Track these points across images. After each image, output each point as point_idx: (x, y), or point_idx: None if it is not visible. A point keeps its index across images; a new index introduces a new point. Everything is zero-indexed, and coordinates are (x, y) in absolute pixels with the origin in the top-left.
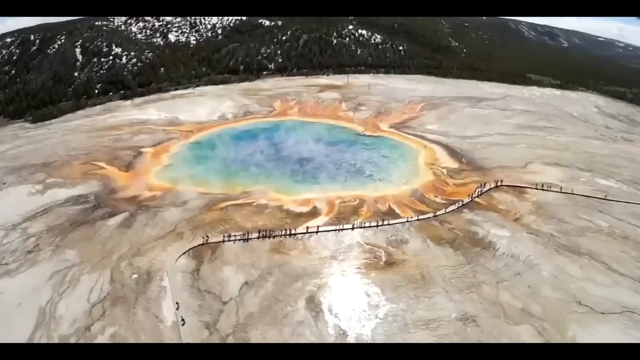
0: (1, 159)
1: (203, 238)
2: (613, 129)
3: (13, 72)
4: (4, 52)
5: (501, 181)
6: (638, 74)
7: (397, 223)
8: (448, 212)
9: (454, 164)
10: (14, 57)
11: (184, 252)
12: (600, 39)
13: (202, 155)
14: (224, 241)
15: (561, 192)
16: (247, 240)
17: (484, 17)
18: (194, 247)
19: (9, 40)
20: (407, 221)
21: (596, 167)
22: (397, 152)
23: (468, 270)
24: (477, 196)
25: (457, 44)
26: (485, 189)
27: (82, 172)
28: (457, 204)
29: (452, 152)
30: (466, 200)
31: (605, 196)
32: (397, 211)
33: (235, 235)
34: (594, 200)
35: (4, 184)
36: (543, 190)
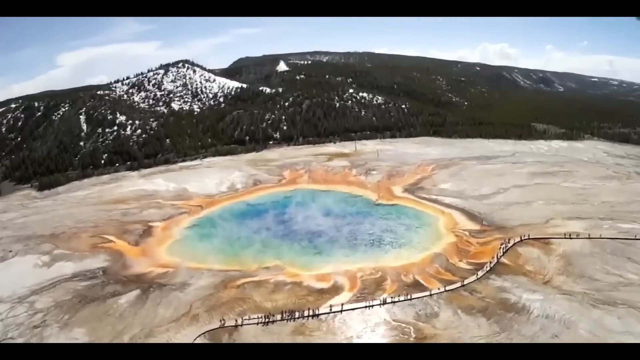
0: (8, 227)
1: (220, 321)
2: (624, 165)
3: (19, 138)
4: (9, 117)
5: (528, 236)
6: (638, 109)
7: (425, 296)
8: (476, 280)
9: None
10: (19, 123)
11: (200, 335)
12: (593, 79)
13: (213, 230)
14: (241, 325)
15: (588, 238)
16: (266, 323)
17: (478, 68)
18: (210, 330)
19: (13, 105)
20: (431, 295)
21: (617, 215)
22: (416, 225)
23: (503, 338)
24: (503, 254)
25: (457, 98)
26: (510, 245)
27: (90, 245)
28: (484, 268)
29: (471, 216)
30: (493, 261)
31: (635, 236)
32: (422, 282)
33: (254, 318)
34: (620, 243)
35: (10, 252)
36: (570, 238)
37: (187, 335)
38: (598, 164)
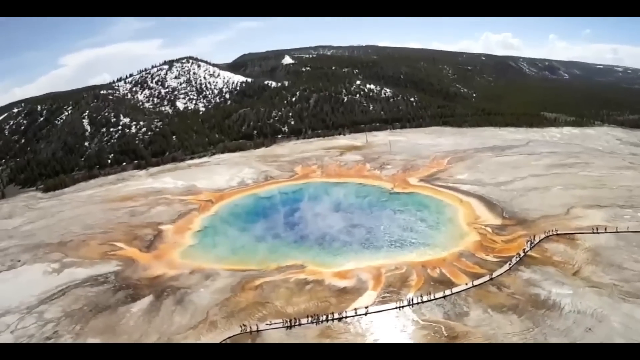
0: (15, 235)
1: (241, 327)
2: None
3: (23, 141)
4: (11, 123)
5: (556, 231)
6: None
7: (452, 294)
8: (504, 273)
9: (495, 220)
10: (22, 127)
11: (222, 341)
12: (599, 66)
13: (227, 227)
14: (262, 330)
15: (612, 232)
16: (290, 327)
17: (483, 58)
18: (232, 335)
19: (16, 110)
20: (453, 292)
21: (636, 201)
22: (433, 212)
23: (537, 333)
24: (530, 249)
25: (465, 89)
26: (536, 241)
27: (100, 252)
28: (513, 259)
29: (491, 205)
30: (521, 255)
31: None
32: (449, 276)
33: (277, 322)
34: None
35: (19, 261)
36: (597, 233)
37: (209, 342)
38: (614, 153)
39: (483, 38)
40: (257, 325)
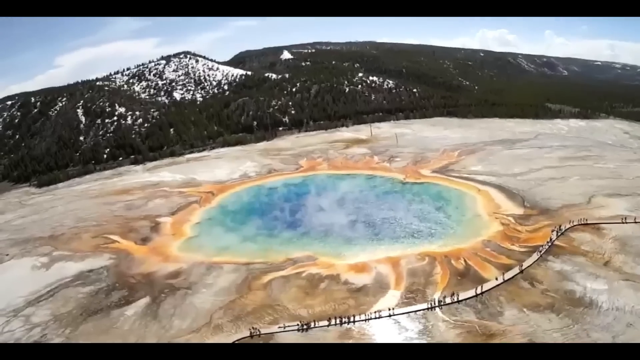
0: (5, 230)
1: (250, 331)
2: None
3: (17, 136)
4: (5, 115)
5: (586, 221)
6: None
7: (482, 293)
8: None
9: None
10: (16, 120)
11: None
12: (597, 63)
13: (230, 219)
14: (274, 332)
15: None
16: (305, 330)
17: (482, 54)
18: (240, 339)
19: (9, 103)
20: (481, 291)
21: None
22: (451, 202)
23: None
24: (557, 237)
25: (467, 82)
26: (562, 230)
27: (92, 245)
28: (541, 248)
29: (510, 195)
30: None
31: None
32: (476, 268)
33: (291, 325)
34: None
35: (7, 255)
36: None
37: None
38: (624, 147)
39: (479, 35)
40: (258, 330)
